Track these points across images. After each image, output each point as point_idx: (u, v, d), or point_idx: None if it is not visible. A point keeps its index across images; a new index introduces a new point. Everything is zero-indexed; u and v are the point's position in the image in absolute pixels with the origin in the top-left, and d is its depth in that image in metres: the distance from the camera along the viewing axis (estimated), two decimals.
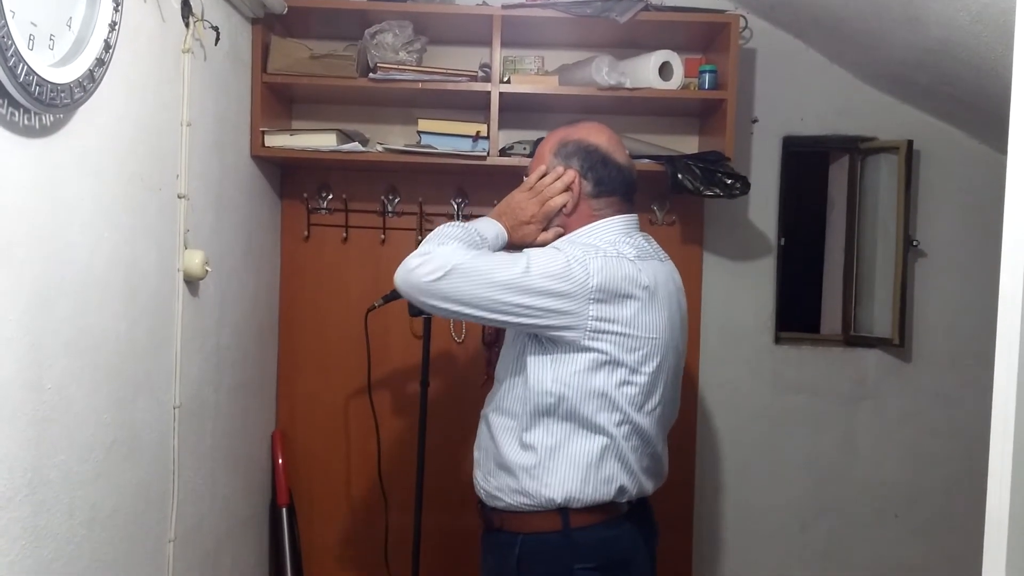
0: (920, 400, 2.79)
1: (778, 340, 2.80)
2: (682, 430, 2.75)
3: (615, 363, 1.69)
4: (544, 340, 1.73)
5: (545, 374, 1.72)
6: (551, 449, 1.72)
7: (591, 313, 1.66)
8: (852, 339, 2.81)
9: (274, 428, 2.72)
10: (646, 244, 1.81)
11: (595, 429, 1.71)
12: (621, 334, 1.68)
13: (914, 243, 2.73)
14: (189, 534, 1.99)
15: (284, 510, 2.65)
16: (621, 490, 1.73)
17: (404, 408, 2.56)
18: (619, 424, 1.71)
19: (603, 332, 1.67)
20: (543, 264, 1.67)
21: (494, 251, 1.79)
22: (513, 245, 1.84)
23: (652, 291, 1.71)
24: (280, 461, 2.66)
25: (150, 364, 1.77)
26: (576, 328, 1.67)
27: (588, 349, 1.68)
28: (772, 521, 2.82)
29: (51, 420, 1.39)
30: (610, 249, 1.72)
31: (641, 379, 1.71)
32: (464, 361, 2.70)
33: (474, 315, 1.68)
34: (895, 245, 2.70)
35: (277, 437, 2.69)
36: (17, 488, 1.30)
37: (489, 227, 1.83)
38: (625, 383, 1.70)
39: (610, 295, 1.67)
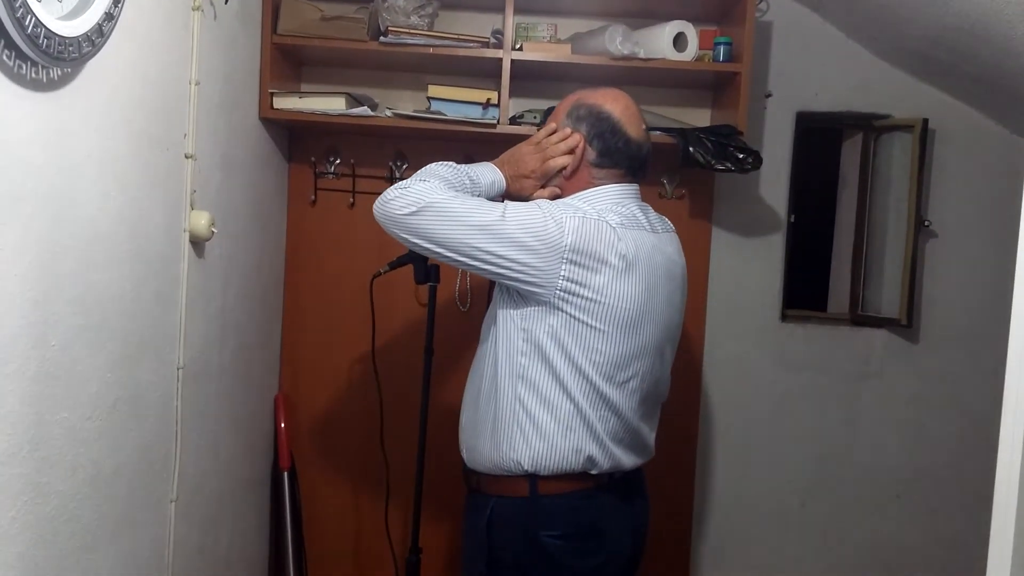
0: (926, 381, 2.78)
1: (784, 317, 2.79)
2: (685, 404, 2.76)
3: (583, 329, 1.68)
4: (515, 295, 1.73)
5: (517, 334, 1.73)
6: (519, 414, 1.73)
7: (563, 273, 1.66)
8: (859, 318, 2.79)
9: (277, 392, 2.72)
10: (639, 214, 1.79)
11: (563, 396, 1.71)
12: (591, 299, 1.67)
13: (926, 223, 2.70)
14: (191, 495, 1.99)
15: (286, 474, 2.66)
16: (590, 460, 1.73)
17: (407, 375, 2.56)
18: (586, 393, 1.70)
19: (573, 295, 1.67)
20: (519, 215, 1.67)
21: (489, 198, 1.80)
22: (510, 195, 1.85)
23: (630, 261, 1.69)
24: (282, 425, 2.67)
25: (155, 324, 1.76)
26: (546, 287, 1.67)
27: (557, 309, 1.68)
28: (772, 498, 2.82)
29: (55, 377, 1.39)
30: (591, 212, 1.71)
31: (610, 349, 1.70)
32: (469, 329, 2.67)
33: (443, 255, 1.69)
34: (906, 225, 2.68)
35: (280, 401, 2.69)
36: (20, 444, 1.30)
37: (487, 172, 1.84)
38: (593, 351, 1.69)
39: (584, 257, 1.66)
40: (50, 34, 1.21)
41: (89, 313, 1.48)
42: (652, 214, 1.85)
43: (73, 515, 1.47)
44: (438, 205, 1.66)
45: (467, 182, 1.78)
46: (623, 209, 1.76)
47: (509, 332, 1.74)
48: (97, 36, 1.35)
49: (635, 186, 1.84)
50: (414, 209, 1.66)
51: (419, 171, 1.77)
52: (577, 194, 1.80)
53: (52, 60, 1.24)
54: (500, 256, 1.66)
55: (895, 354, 2.78)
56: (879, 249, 2.80)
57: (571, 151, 1.79)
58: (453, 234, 1.66)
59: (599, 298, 1.67)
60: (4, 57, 1.18)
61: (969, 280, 2.75)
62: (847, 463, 2.81)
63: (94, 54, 1.37)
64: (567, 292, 1.67)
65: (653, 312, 1.75)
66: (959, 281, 2.75)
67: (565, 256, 1.65)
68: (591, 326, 1.68)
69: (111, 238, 1.54)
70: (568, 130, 1.81)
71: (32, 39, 1.17)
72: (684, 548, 2.80)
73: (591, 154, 1.79)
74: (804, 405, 2.80)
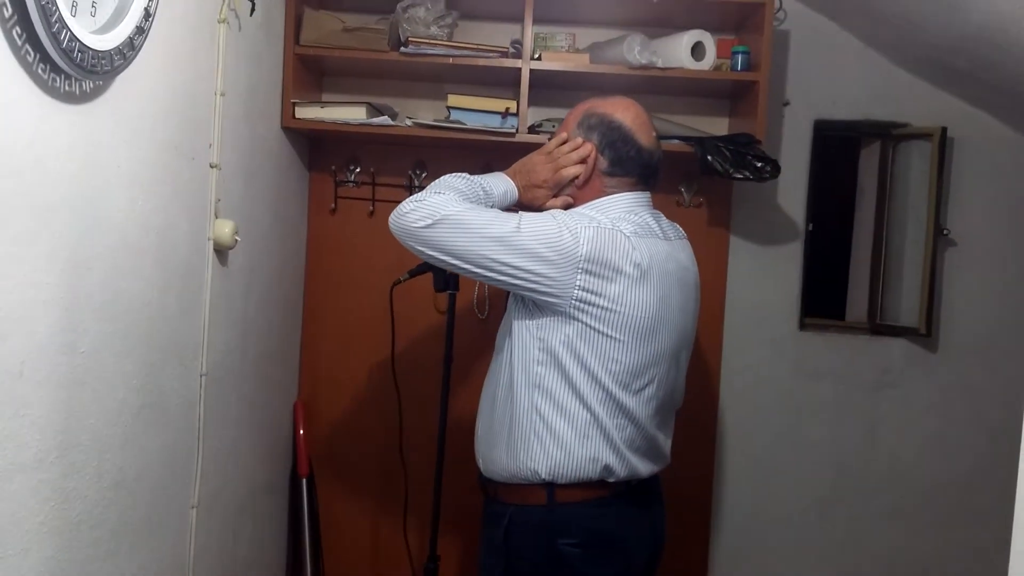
0: (945, 390, 2.77)
1: (803, 326, 2.79)
2: (703, 413, 2.76)
3: (599, 338, 1.69)
4: (531, 305, 1.73)
5: (532, 343, 1.73)
6: (535, 423, 1.73)
7: (578, 283, 1.66)
8: (878, 327, 2.79)
9: (296, 398, 2.74)
10: (652, 222, 1.79)
11: (579, 404, 1.71)
12: (607, 308, 1.68)
13: (945, 232, 2.70)
14: (211, 500, 2.01)
15: (304, 480, 2.67)
16: (607, 469, 1.73)
17: (426, 383, 2.57)
18: (603, 401, 1.71)
19: (588, 304, 1.67)
20: (534, 226, 1.68)
21: (501, 208, 1.81)
22: (522, 205, 1.85)
23: (644, 269, 1.69)
24: (301, 431, 2.68)
25: (179, 331, 1.78)
26: (562, 296, 1.67)
27: (573, 319, 1.69)
28: (791, 507, 2.82)
29: (83, 383, 1.41)
30: (605, 222, 1.71)
31: (626, 357, 1.70)
32: (488, 337, 2.68)
33: (460, 267, 1.70)
34: (925, 233, 2.68)
35: (299, 407, 2.71)
36: (48, 450, 1.32)
37: (499, 183, 1.84)
38: (609, 360, 1.70)
39: (599, 266, 1.66)
40: (84, 48, 1.23)
41: (116, 320, 1.50)
42: (664, 222, 1.86)
43: (98, 520, 1.49)
44: (453, 217, 1.67)
45: (480, 193, 1.78)
46: (636, 217, 1.77)
47: (525, 341, 1.75)
48: (128, 49, 1.38)
49: (647, 194, 1.84)
50: (429, 222, 1.67)
51: (433, 183, 1.78)
52: (590, 203, 1.80)
53: (85, 73, 1.27)
54: (516, 267, 1.67)
55: (914, 363, 2.77)
56: (898, 258, 2.79)
57: (583, 160, 1.80)
58: (469, 246, 1.67)
59: (614, 307, 1.68)
60: (39, 70, 1.20)
61: (988, 289, 2.73)
62: (866, 472, 2.80)
63: (125, 67, 1.40)
64: (582, 301, 1.68)
65: (668, 320, 1.75)
66: (978, 290, 2.74)
67: (580, 266, 1.66)
68: (607, 335, 1.69)
69: (138, 246, 1.57)
70: (579, 139, 1.82)
71: (67, 53, 1.19)
72: (702, 557, 2.80)
73: (603, 163, 1.80)
74: (822, 414, 2.79)
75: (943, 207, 2.70)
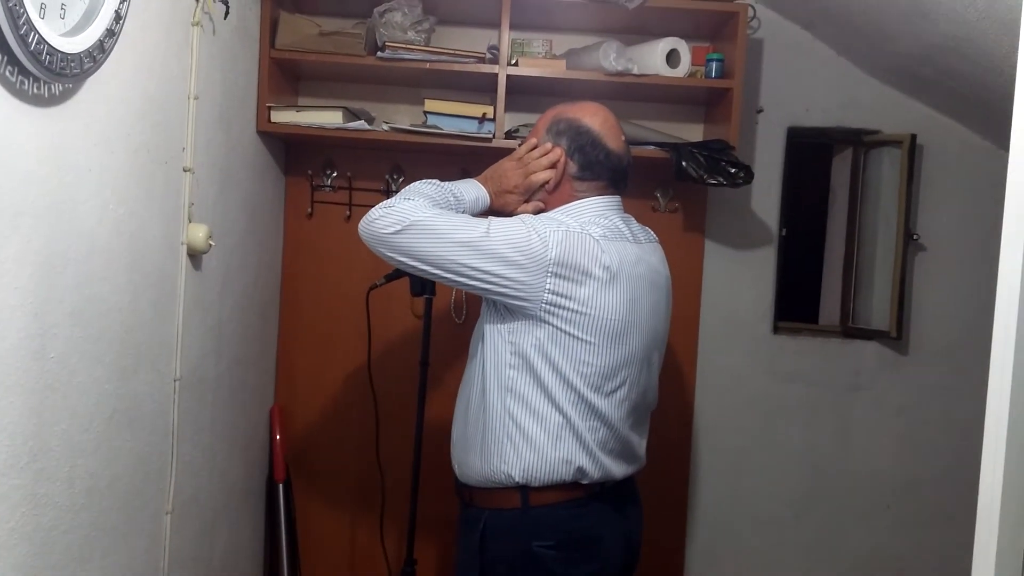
0: (916, 393, 2.81)
1: (776, 329, 2.82)
2: (678, 415, 2.78)
3: (570, 341, 1.70)
4: (502, 309, 1.74)
5: (504, 347, 1.74)
6: (508, 426, 1.74)
7: (548, 286, 1.67)
8: (850, 330, 2.82)
9: (272, 404, 2.73)
10: (622, 225, 1.81)
11: (552, 408, 1.72)
12: (577, 311, 1.69)
13: (914, 237, 2.74)
14: (186, 506, 2.00)
15: (281, 486, 2.66)
16: (580, 471, 1.74)
17: (403, 387, 2.58)
18: (575, 404, 1.72)
19: (559, 307, 1.68)
20: (503, 231, 1.69)
21: (473, 214, 1.82)
22: (494, 211, 1.86)
23: (614, 272, 1.71)
24: (278, 437, 2.67)
25: (152, 336, 1.77)
26: (532, 300, 1.68)
27: (544, 322, 1.70)
28: (765, 509, 2.84)
29: (53, 389, 1.40)
30: (574, 225, 1.73)
31: (597, 360, 1.72)
32: (464, 342, 2.67)
33: (430, 272, 1.71)
34: (895, 238, 2.71)
35: (275, 413, 2.70)
36: (19, 456, 1.31)
37: (471, 189, 1.86)
38: (580, 362, 1.71)
39: (568, 270, 1.67)
40: (52, 50, 1.22)
41: (87, 325, 1.49)
42: (635, 225, 1.87)
43: (71, 526, 1.48)
44: (422, 223, 1.67)
45: (451, 199, 1.79)
46: (606, 221, 1.78)
47: (496, 346, 1.76)
48: (98, 52, 1.37)
49: (617, 198, 1.86)
50: (399, 228, 1.67)
51: (403, 190, 1.79)
52: (560, 208, 1.82)
53: (54, 76, 1.26)
54: (486, 272, 1.68)
55: (885, 366, 2.81)
56: (869, 262, 2.83)
57: (553, 165, 1.81)
58: (438, 251, 1.68)
59: (584, 310, 1.69)
60: (7, 73, 1.19)
61: (957, 292, 2.78)
62: (838, 474, 2.83)
63: (95, 70, 1.39)
64: (553, 305, 1.69)
65: (638, 322, 1.76)
66: (947, 293, 2.79)
67: (550, 269, 1.67)
68: (577, 338, 1.70)
69: (110, 251, 1.56)
70: (549, 145, 1.83)
71: (35, 55, 1.18)
72: (678, 558, 2.81)
73: (572, 168, 1.81)
74: (796, 416, 2.82)
75: (913, 212, 2.74)
